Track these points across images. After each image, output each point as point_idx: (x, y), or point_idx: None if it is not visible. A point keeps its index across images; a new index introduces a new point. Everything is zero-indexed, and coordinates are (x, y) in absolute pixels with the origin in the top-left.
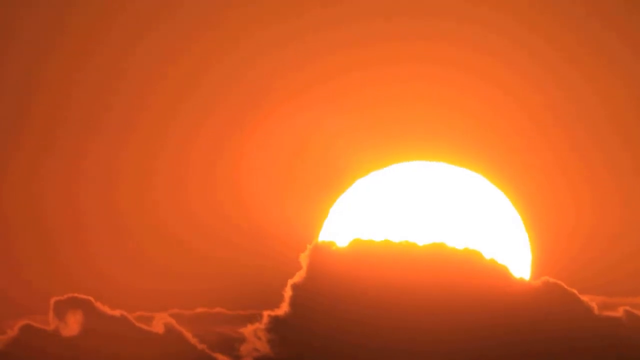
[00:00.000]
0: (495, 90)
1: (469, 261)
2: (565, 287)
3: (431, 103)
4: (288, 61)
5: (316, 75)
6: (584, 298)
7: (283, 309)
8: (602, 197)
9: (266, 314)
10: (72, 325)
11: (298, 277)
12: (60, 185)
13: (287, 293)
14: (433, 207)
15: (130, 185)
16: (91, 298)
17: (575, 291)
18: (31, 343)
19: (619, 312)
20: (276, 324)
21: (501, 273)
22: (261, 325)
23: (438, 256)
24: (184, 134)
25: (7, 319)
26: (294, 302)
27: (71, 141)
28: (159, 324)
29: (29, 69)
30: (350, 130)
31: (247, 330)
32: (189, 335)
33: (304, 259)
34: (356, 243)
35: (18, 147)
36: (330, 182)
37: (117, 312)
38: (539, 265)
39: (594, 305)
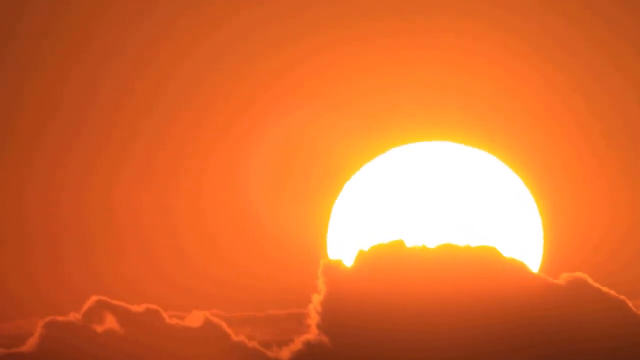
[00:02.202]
0: (511, 77)
1: (486, 260)
2: (595, 284)
3: (440, 86)
4: (280, 62)
5: (306, 72)
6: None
7: (312, 333)
8: (619, 195)
9: (298, 340)
10: (103, 324)
11: (317, 301)
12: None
13: (313, 319)
14: (440, 196)
15: (127, 189)
16: (106, 298)
17: (608, 289)
18: (62, 341)
19: None
20: (309, 349)
21: (522, 272)
22: (293, 347)
23: (453, 258)
24: (180, 135)
25: (39, 316)
26: (320, 328)
27: (109, 152)
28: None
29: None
30: (348, 120)
31: (280, 354)
32: (230, 331)
33: (320, 283)
34: (362, 257)
35: (68, 160)
36: (332, 175)
37: (147, 307)
38: (548, 261)
39: (629, 302)
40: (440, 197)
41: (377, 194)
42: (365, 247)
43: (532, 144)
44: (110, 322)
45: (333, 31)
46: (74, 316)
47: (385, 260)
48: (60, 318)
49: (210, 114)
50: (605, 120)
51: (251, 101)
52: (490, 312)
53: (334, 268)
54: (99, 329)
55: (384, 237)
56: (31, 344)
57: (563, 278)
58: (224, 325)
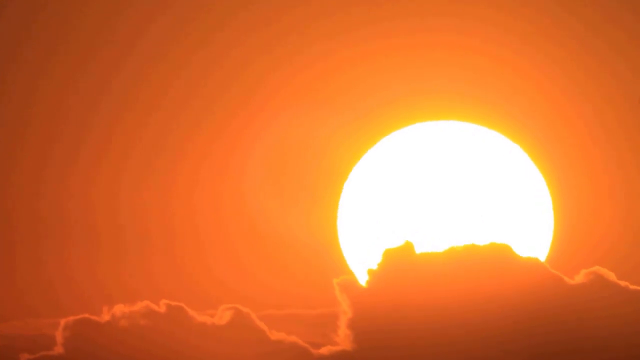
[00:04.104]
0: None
1: (502, 259)
2: (617, 280)
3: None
4: (275, 61)
5: (292, 73)
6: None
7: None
8: (634, 190)
9: (327, 347)
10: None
11: (345, 318)
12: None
13: (342, 335)
14: (443, 188)
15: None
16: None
17: (627, 283)
18: (89, 342)
19: None
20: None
21: (539, 269)
22: (325, 351)
23: (465, 260)
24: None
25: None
26: (354, 339)
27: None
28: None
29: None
30: (337, 116)
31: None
32: (263, 325)
33: (342, 304)
34: (374, 275)
35: (100, 170)
36: (331, 169)
37: (169, 304)
38: (560, 257)
39: None
40: (443, 188)
41: (379, 188)
42: (376, 255)
43: (547, 131)
44: (133, 319)
45: (321, 28)
46: (100, 317)
47: (397, 273)
48: (87, 318)
49: (210, 115)
50: (624, 114)
51: (240, 108)
52: (510, 312)
53: (349, 287)
54: (124, 327)
55: (392, 238)
56: (58, 346)
57: (582, 274)
58: (256, 320)
